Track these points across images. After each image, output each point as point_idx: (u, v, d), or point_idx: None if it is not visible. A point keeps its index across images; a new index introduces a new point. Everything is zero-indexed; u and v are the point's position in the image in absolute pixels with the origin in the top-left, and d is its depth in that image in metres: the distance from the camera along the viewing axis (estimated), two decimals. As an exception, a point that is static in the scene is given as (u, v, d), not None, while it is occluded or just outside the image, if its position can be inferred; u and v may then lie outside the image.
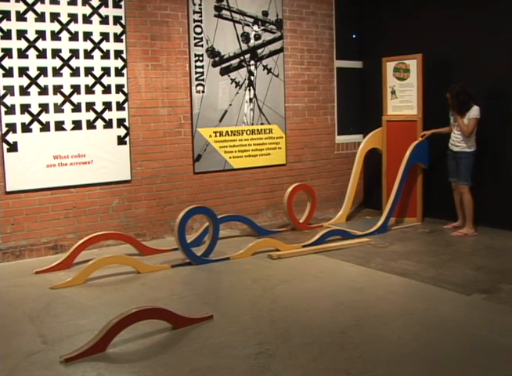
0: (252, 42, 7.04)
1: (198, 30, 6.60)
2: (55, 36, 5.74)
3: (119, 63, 6.12)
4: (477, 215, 6.56)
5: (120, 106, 6.15)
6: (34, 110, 5.67)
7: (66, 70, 5.82)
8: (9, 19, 5.49)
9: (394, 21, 7.57)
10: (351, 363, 3.31)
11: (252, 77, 7.05)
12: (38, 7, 5.62)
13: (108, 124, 6.09)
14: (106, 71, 6.04)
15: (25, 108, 5.62)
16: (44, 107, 5.71)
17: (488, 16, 6.52)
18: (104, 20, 5.99)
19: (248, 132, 7.07)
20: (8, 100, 5.54)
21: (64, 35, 5.78)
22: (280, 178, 7.37)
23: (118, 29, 6.09)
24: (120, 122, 6.17)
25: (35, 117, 5.68)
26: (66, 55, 5.81)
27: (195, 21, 6.57)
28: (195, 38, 6.58)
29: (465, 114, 6.29)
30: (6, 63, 5.51)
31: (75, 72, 5.87)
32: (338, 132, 7.95)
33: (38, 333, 3.85)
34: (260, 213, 7.22)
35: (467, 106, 6.27)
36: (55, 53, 5.75)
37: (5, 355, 3.53)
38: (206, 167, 6.75)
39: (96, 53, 5.97)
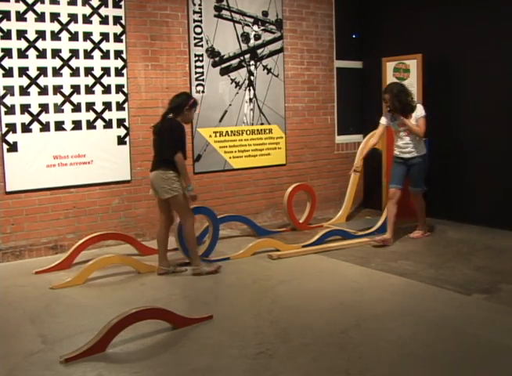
0: (252, 42, 7.04)
1: (198, 30, 6.60)
2: (55, 36, 5.74)
3: (119, 63, 6.12)
4: (478, 215, 6.58)
5: (120, 106, 6.15)
6: (34, 110, 5.67)
7: (66, 70, 5.82)
8: (8, 19, 5.49)
9: (394, 21, 7.57)
10: (351, 363, 3.31)
11: (252, 78, 7.05)
12: (38, 7, 5.62)
13: (108, 124, 6.09)
14: (106, 71, 6.04)
15: (25, 108, 5.62)
16: (44, 107, 5.71)
17: (488, 15, 6.52)
18: (104, 20, 5.99)
19: (248, 132, 7.07)
20: (8, 100, 5.54)
21: (64, 35, 5.78)
22: (280, 179, 7.37)
23: (118, 29, 6.09)
24: (120, 122, 6.17)
25: (35, 117, 5.68)
26: (66, 55, 5.80)
27: (195, 21, 6.57)
28: (195, 38, 6.58)
29: (411, 115, 5.87)
30: (6, 63, 5.51)
31: (75, 72, 5.87)
32: (338, 132, 7.95)
33: (38, 333, 3.85)
34: (260, 213, 7.22)
35: (411, 106, 5.88)
36: (55, 53, 5.75)
37: (5, 355, 3.53)
38: (206, 167, 6.75)
39: (96, 53, 5.97)
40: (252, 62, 7.05)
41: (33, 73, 5.64)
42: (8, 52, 5.51)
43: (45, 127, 5.72)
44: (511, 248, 5.81)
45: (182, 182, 5.02)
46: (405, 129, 5.94)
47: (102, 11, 5.97)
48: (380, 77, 7.30)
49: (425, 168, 6.14)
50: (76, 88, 5.88)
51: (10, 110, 5.55)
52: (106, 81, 6.04)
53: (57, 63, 5.77)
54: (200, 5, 6.59)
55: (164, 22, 6.38)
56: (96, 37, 5.97)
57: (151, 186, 5.13)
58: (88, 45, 5.93)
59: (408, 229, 6.78)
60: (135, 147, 6.27)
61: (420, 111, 5.91)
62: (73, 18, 5.81)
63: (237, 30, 6.90)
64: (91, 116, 5.98)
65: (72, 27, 5.82)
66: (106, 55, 6.03)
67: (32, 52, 5.62)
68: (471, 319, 3.95)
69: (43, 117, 5.72)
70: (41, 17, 5.64)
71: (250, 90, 7.04)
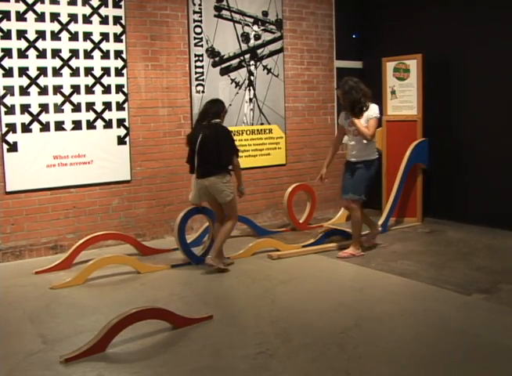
0: (252, 42, 7.04)
1: (198, 30, 6.60)
2: (55, 36, 5.74)
3: (119, 63, 6.12)
4: (478, 215, 6.58)
5: (120, 106, 6.15)
6: (34, 110, 5.67)
7: (66, 70, 5.82)
8: (8, 19, 5.49)
9: (394, 21, 7.57)
10: (351, 363, 3.31)
11: (252, 77, 7.05)
12: (38, 7, 5.62)
13: (108, 124, 6.09)
14: (106, 71, 6.04)
15: (25, 108, 5.62)
16: (44, 107, 5.71)
17: (488, 15, 6.52)
18: (104, 20, 5.99)
19: (248, 132, 7.07)
20: (8, 100, 5.54)
21: (64, 35, 5.78)
22: (280, 179, 7.37)
23: (118, 29, 6.09)
24: (120, 122, 6.16)
25: (35, 117, 5.68)
26: (66, 55, 5.80)
27: (195, 21, 6.57)
28: (195, 38, 6.58)
29: (362, 115, 5.38)
30: (6, 63, 5.51)
31: (75, 72, 5.87)
32: (338, 132, 7.94)
33: (38, 333, 3.85)
34: (260, 213, 7.22)
35: (362, 105, 5.37)
36: (55, 53, 5.75)
37: (5, 355, 3.53)
38: (206, 167, 6.74)
39: (96, 53, 5.97)
40: (252, 62, 7.05)
41: (33, 73, 5.64)
42: (8, 52, 5.51)
43: (45, 127, 5.72)
44: (511, 248, 5.81)
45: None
46: (354, 129, 5.46)
47: (102, 11, 5.97)
48: (380, 77, 7.30)
49: (370, 176, 5.55)
50: (76, 88, 5.88)
51: (10, 110, 5.55)
52: (106, 81, 6.04)
53: (57, 63, 5.77)
54: (200, 5, 6.59)
55: (164, 22, 6.38)
56: (96, 37, 5.97)
57: (202, 191, 5.21)
58: (88, 45, 5.93)
59: (405, 228, 6.79)
60: (135, 147, 6.28)
61: (372, 111, 5.40)
62: (73, 18, 5.81)
63: (237, 30, 6.90)
64: (91, 116, 5.98)
65: (72, 27, 5.82)
66: (106, 55, 6.03)
67: (32, 52, 5.62)
68: (472, 320, 3.95)
69: (43, 117, 5.71)
70: (41, 17, 5.64)
71: (250, 90, 7.04)
